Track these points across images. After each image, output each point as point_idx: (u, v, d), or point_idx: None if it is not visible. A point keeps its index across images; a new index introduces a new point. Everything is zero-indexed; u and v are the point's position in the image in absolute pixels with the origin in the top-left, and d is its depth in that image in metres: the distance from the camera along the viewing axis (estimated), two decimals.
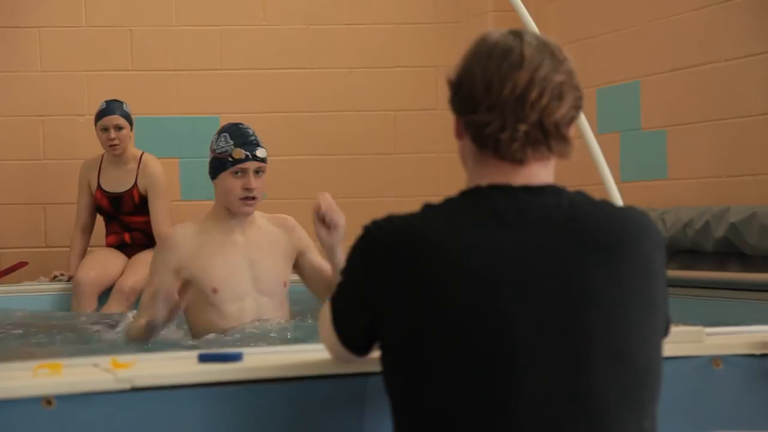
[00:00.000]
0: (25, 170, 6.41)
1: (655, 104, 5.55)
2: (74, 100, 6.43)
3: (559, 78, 1.91)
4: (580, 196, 1.94)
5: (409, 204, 6.78)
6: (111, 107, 5.86)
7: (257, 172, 3.76)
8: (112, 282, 5.71)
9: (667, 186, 5.44)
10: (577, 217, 1.90)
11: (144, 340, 3.63)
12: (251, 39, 6.60)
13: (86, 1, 6.46)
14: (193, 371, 2.09)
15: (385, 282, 1.88)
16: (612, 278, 1.86)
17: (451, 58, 7.29)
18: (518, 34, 1.95)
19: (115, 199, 5.89)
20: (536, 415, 1.81)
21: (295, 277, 3.96)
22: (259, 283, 3.78)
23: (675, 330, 2.06)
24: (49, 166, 6.43)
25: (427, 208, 1.93)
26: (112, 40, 6.47)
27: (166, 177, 5.94)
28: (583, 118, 2.97)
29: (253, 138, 3.78)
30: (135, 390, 2.03)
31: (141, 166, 5.88)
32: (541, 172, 1.93)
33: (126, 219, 5.90)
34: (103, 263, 5.77)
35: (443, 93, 7.95)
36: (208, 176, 3.83)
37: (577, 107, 1.96)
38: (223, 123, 6.53)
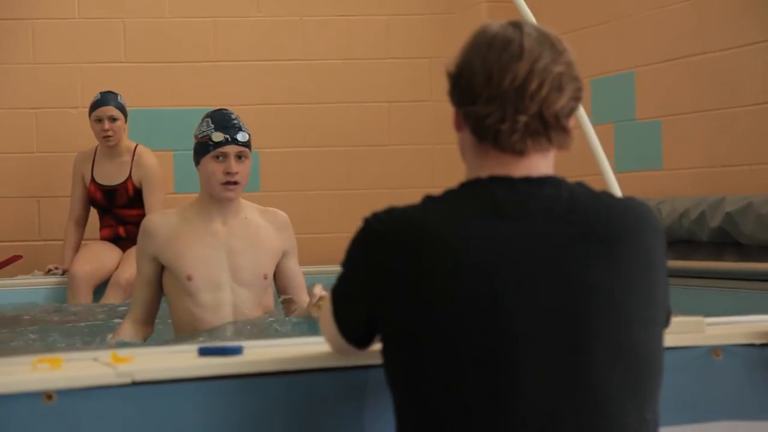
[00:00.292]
0: (19, 163, 6.39)
1: (650, 94, 5.54)
2: (67, 92, 6.41)
3: (558, 69, 1.91)
4: (580, 187, 1.94)
5: (403, 195, 6.82)
6: (105, 98, 5.85)
7: (239, 157, 3.71)
8: (108, 275, 5.70)
9: (662, 176, 5.44)
10: (577, 209, 1.90)
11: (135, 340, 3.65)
12: (244, 30, 6.59)
13: None
14: (193, 365, 2.09)
15: (386, 274, 1.87)
16: (612, 269, 1.86)
17: (445, 49, 7.34)
18: (518, 26, 1.95)
19: (109, 192, 5.88)
20: (537, 407, 1.81)
21: None
22: (237, 273, 3.74)
23: (675, 320, 2.06)
24: (43, 159, 6.41)
25: (428, 199, 1.93)
26: (105, 32, 6.46)
27: (161, 169, 5.93)
28: (580, 109, 2.97)
29: (235, 122, 3.74)
30: (135, 384, 2.02)
31: (135, 158, 5.87)
32: (540, 164, 1.93)
33: (120, 212, 5.89)
34: (99, 257, 5.76)
35: (437, 84, 7.98)
36: (193, 163, 3.79)
37: (577, 98, 1.96)
38: None
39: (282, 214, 3.89)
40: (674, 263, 4.10)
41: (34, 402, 1.97)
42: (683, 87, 5.33)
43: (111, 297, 5.58)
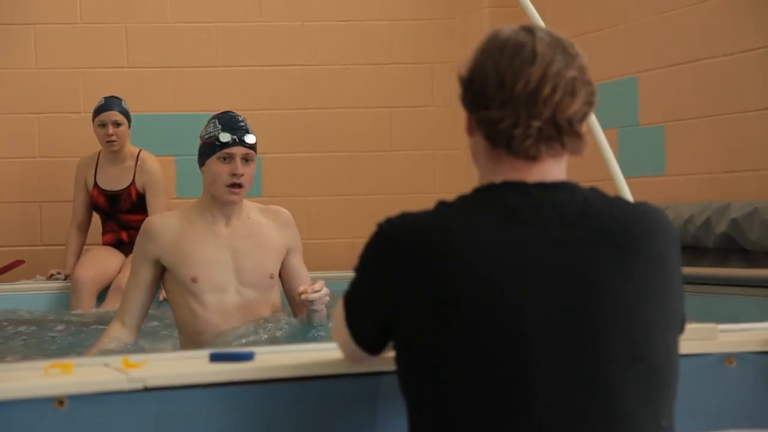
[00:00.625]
0: (20, 168, 6.38)
1: (653, 100, 5.54)
2: (69, 97, 6.40)
3: (571, 74, 1.91)
4: (594, 192, 1.93)
5: (405, 201, 6.80)
6: (109, 103, 5.84)
7: (246, 159, 3.68)
8: (110, 280, 5.69)
9: (665, 182, 5.43)
10: (591, 214, 1.89)
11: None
12: (247, 36, 6.58)
13: None
14: (205, 371, 2.08)
15: (399, 279, 1.87)
16: (627, 275, 1.86)
17: (447, 54, 7.33)
18: (530, 30, 1.94)
19: (113, 197, 5.87)
20: (552, 413, 1.80)
21: None
22: (242, 275, 3.70)
23: (688, 327, 2.05)
24: (45, 164, 6.41)
25: (441, 205, 1.92)
26: (107, 37, 6.45)
27: (164, 174, 5.93)
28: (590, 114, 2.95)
29: (242, 124, 3.71)
30: (147, 390, 2.02)
31: (139, 163, 5.86)
32: (554, 169, 1.92)
33: (123, 217, 5.88)
34: (102, 262, 5.75)
35: (439, 89, 7.94)
36: (197, 165, 3.74)
37: (590, 103, 1.95)
38: None
39: (284, 211, 3.86)
40: None
41: (45, 408, 1.96)
42: (686, 92, 5.32)
43: (112, 302, 5.57)
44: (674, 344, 1.91)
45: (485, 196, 1.91)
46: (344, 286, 4.02)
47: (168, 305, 3.86)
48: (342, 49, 6.66)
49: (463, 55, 7.67)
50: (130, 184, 5.85)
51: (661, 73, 5.48)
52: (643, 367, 1.84)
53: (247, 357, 2.14)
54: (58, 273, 5.87)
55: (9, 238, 6.33)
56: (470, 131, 1.97)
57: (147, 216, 5.78)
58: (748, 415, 2.29)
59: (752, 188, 4.89)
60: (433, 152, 6.70)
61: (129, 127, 5.89)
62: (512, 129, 1.89)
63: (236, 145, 3.66)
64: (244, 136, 3.68)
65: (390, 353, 1.96)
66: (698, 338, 2.25)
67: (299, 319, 3.74)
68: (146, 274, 3.70)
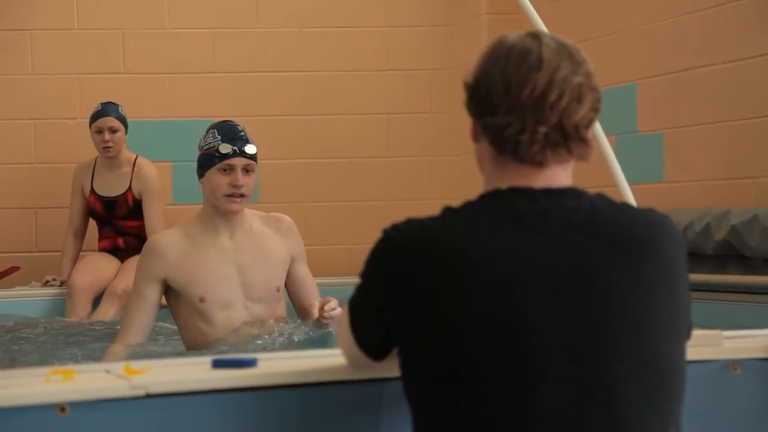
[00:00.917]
0: (16, 174, 6.36)
1: (652, 107, 5.54)
2: (66, 103, 6.39)
3: (578, 80, 1.91)
4: (601, 198, 1.93)
5: (402, 207, 6.78)
6: (106, 109, 5.83)
7: (246, 170, 3.62)
8: (106, 286, 5.67)
9: (663, 189, 5.43)
10: (598, 220, 1.88)
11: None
12: (244, 42, 6.57)
13: (78, 4, 6.42)
14: (207, 377, 2.07)
15: (404, 286, 1.86)
16: (635, 281, 1.85)
17: (445, 61, 7.32)
18: (536, 36, 1.94)
19: (109, 203, 5.86)
20: (560, 419, 1.79)
21: None
22: (249, 290, 3.66)
23: (692, 333, 2.04)
24: (41, 170, 6.39)
25: (447, 211, 1.91)
26: (104, 43, 6.44)
27: (161, 181, 5.91)
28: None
29: (242, 134, 3.65)
30: (149, 396, 2.00)
31: (135, 169, 5.85)
32: (560, 175, 1.92)
33: (120, 223, 5.87)
34: (98, 268, 5.73)
35: (437, 96, 7.92)
36: (196, 176, 3.69)
37: (596, 109, 1.95)
38: None
39: (286, 218, 3.81)
40: None
41: (47, 414, 1.94)
42: (685, 99, 5.32)
43: (106, 306, 5.57)
44: (682, 351, 1.90)
45: (491, 202, 1.90)
46: (342, 292, 4.00)
47: (167, 309, 3.81)
48: (340, 55, 6.65)
49: (461, 61, 7.71)
50: (127, 190, 5.84)
51: (660, 81, 5.48)
52: (652, 374, 1.83)
53: (250, 363, 2.13)
54: (54, 279, 5.85)
55: (4, 245, 6.30)
56: (476, 137, 1.96)
57: (143, 222, 5.78)
58: (752, 421, 2.28)
59: (751, 195, 4.89)
60: (431, 158, 6.69)
61: (126, 133, 5.87)
62: (518, 135, 1.88)
63: (236, 156, 3.61)
64: (244, 146, 3.62)
65: (393, 360, 1.94)
66: (703, 345, 2.25)
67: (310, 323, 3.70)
68: (152, 295, 3.62)
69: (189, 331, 3.66)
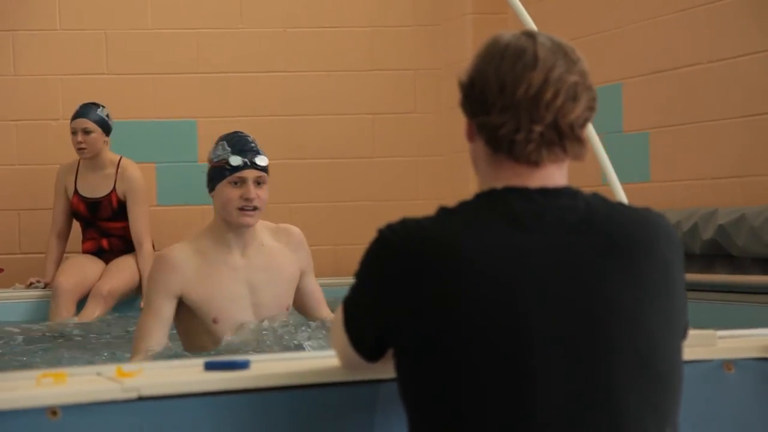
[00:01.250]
0: None
1: (638, 106, 5.54)
2: (48, 104, 6.35)
3: (573, 78, 1.90)
4: (597, 198, 1.92)
5: (387, 208, 6.74)
6: (82, 111, 5.82)
7: (258, 182, 3.55)
8: (90, 288, 5.65)
9: (649, 189, 5.43)
10: (594, 220, 1.88)
11: None
12: (228, 42, 6.55)
13: (60, 5, 6.39)
14: (200, 380, 2.06)
15: (400, 286, 1.84)
16: (631, 281, 1.84)
17: (430, 61, 7.29)
18: (531, 35, 1.93)
19: (93, 204, 5.83)
20: (555, 419, 1.79)
21: None
22: (260, 309, 3.59)
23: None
24: (23, 171, 6.35)
25: (442, 211, 1.90)
26: (87, 44, 6.40)
27: (145, 182, 5.89)
28: None
29: (252, 145, 3.58)
30: (142, 399, 1.99)
31: (120, 171, 5.83)
32: (556, 174, 1.91)
33: (103, 225, 5.84)
34: (82, 269, 5.71)
35: (422, 96, 7.90)
36: (206, 189, 3.60)
37: (591, 108, 1.94)
38: (200, 127, 6.53)
39: (295, 231, 3.75)
40: None
41: (38, 418, 1.92)
42: (671, 99, 5.32)
43: (91, 308, 5.55)
44: (678, 351, 1.90)
45: (487, 201, 1.90)
46: (328, 293, 3.97)
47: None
48: (324, 55, 6.63)
49: (446, 61, 7.70)
50: (111, 192, 5.81)
51: (646, 80, 5.48)
52: (648, 374, 1.82)
53: (243, 365, 2.11)
54: (38, 281, 5.82)
55: None
56: (471, 137, 1.95)
57: (128, 223, 5.76)
58: (746, 421, 2.28)
59: (738, 195, 4.89)
60: (416, 159, 6.67)
61: (107, 134, 5.84)
62: (514, 134, 1.87)
63: (248, 168, 3.54)
64: (255, 158, 3.56)
65: (388, 361, 1.93)
66: (697, 344, 2.24)
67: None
68: (168, 311, 3.51)
69: (194, 346, 3.59)
